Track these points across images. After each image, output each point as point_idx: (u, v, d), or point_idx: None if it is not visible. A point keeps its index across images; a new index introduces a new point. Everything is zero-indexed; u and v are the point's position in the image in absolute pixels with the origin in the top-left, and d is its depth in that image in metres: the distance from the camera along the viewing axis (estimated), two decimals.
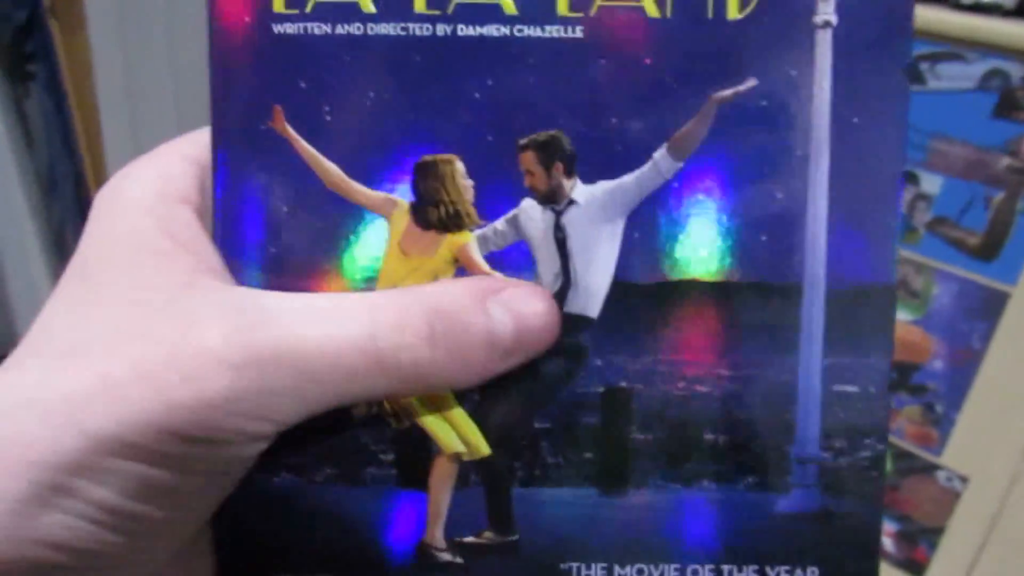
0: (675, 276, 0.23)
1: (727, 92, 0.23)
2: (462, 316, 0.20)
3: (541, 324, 0.22)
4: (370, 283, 0.23)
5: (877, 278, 0.23)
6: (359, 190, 0.23)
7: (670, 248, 0.23)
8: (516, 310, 0.21)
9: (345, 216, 0.23)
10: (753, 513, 0.24)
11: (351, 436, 0.24)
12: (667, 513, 0.24)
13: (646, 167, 0.23)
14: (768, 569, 0.24)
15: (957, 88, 0.91)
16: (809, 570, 0.24)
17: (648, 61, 0.23)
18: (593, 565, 0.24)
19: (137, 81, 1.28)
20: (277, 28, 0.23)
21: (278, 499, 0.24)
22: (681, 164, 0.23)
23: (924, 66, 0.92)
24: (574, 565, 0.24)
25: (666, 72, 0.23)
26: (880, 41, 0.23)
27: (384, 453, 0.24)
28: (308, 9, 0.22)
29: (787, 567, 0.24)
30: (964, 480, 0.99)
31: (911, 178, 0.95)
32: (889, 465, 1.06)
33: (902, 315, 0.99)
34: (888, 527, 1.07)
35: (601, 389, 0.24)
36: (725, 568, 0.24)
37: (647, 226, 0.23)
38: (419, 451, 0.24)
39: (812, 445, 0.24)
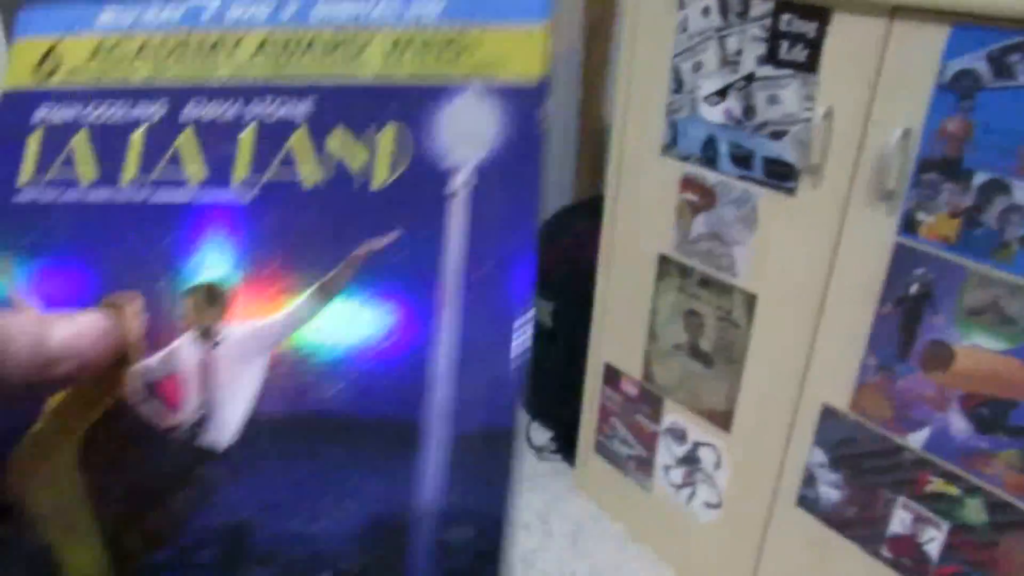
0: (302, 410, 0.24)
1: (373, 244, 0.25)
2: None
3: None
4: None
5: (495, 421, 0.23)
6: None
7: (299, 383, 0.24)
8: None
9: None
10: None
11: None
12: None
13: (294, 307, 0.25)
14: None
15: None
16: None
17: (303, 221, 0.26)
18: None
19: None
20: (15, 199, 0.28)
21: None
22: (325, 306, 0.25)
23: (1014, 58, 0.76)
24: None
25: (318, 229, 0.26)
26: (509, 207, 0.25)
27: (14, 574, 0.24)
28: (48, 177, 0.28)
29: None
30: None
31: (1001, 188, 0.78)
32: (984, 518, 0.85)
33: (994, 344, 0.81)
34: None
35: (221, 522, 0.24)
36: None
37: (284, 363, 0.25)
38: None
39: None
